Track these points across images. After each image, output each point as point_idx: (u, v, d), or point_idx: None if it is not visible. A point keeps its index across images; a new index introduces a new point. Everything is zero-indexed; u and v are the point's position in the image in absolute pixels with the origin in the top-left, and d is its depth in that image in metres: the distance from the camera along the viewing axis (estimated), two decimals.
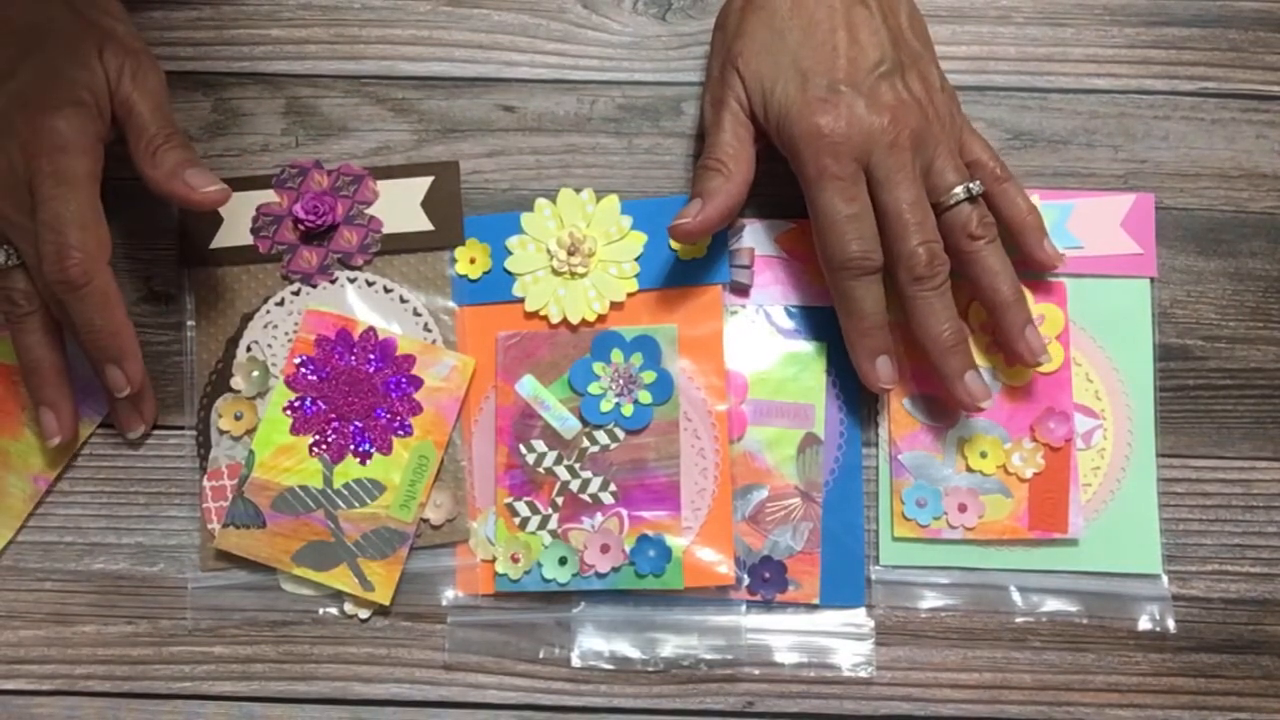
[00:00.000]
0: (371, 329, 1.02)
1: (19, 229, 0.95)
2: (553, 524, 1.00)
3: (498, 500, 1.01)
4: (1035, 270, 1.01)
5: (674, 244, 1.02)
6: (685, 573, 0.99)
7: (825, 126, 0.94)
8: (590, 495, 1.01)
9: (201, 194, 0.96)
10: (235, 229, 1.05)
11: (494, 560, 1.01)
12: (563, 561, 1.00)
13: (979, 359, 1.03)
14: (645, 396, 1.01)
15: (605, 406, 1.01)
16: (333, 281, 1.04)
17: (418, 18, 1.09)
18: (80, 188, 0.94)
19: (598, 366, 1.02)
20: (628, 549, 0.99)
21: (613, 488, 1.01)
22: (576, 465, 1.01)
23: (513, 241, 1.04)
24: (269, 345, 1.04)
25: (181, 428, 1.04)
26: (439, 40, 1.09)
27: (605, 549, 0.99)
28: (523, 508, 1.01)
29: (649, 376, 1.01)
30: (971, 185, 0.97)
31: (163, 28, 1.09)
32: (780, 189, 1.04)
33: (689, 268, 1.03)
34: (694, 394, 1.02)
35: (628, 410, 1.01)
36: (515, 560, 1.00)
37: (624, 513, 1.00)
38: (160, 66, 1.00)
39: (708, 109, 1.02)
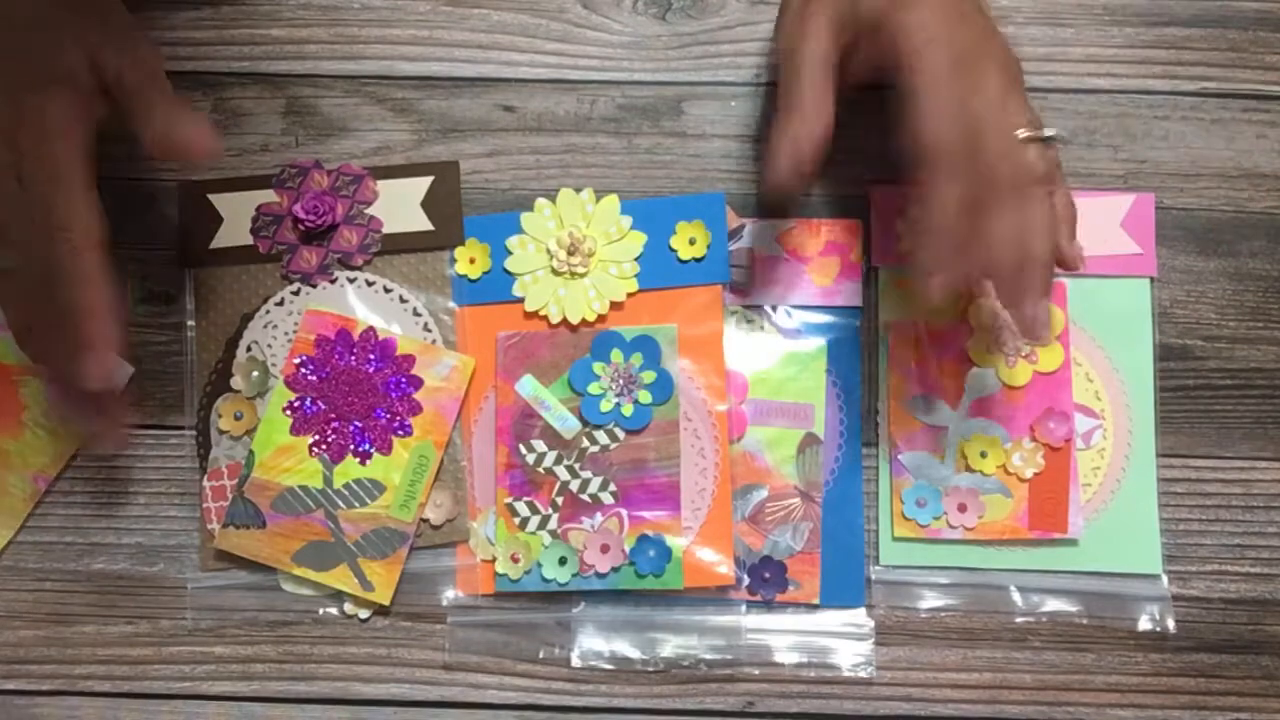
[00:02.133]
0: (371, 329, 1.03)
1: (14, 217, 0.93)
2: (553, 524, 1.01)
3: (498, 500, 1.01)
4: (1059, 266, 0.98)
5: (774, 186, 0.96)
6: (685, 573, 1.00)
7: (922, 16, 0.91)
8: (590, 495, 1.01)
9: (194, 145, 0.94)
10: (235, 229, 1.05)
11: (494, 560, 1.01)
12: (563, 561, 1.00)
13: (978, 360, 1.03)
14: (645, 396, 1.01)
15: (605, 406, 1.01)
16: (333, 281, 1.04)
17: (418, 18, 1.09)
18: (66, 168, 0.92)
19: (598, 366, 1.02)
20: (628, 549, 1.00)
21: (613, 488, 1.01)
22: (576, 465, 1.01)
23: (513, 241, 1.04)
24: (269, 345, 1.04)
25: (181, 428, 1.04)
26: (439, 40, 1.09)
27: (605, 549, 0.99)
28: (523, 508, 1.01)
29: (649, 376, 1.01)
30: (1047, 131, 0.93)
31: (163, 28, 1.09)
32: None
33: (689, 268, 1.03)
34: (694, 394, 1.02)
35: (628, 410, 1.01)
36: (515, 560, 1.00)
37: (624, 513, 1.00)
38: (146, 34, 0.98)
39: (787, 38, 0.98)
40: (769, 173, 0.94)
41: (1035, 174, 0.91)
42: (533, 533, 1.01)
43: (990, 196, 0.89)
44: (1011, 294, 0.92)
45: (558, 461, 1.01)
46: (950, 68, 0.90)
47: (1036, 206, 0.91)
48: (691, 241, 1.03)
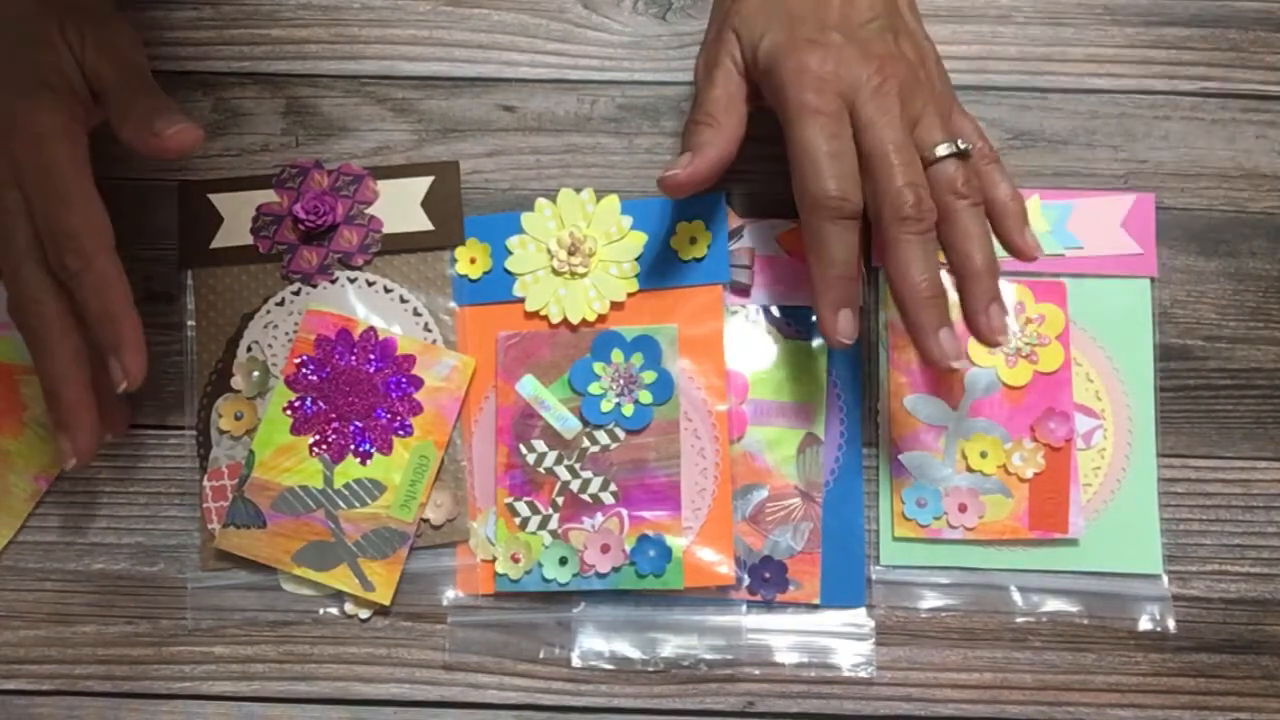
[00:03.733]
0: (372, 329, 1.03)
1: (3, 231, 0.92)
2: (553, 524, 1.00)
3: (498, 500, 1.01)
4: (1015, 257, 0.98)
5: (663, 191, 0.97)
6: (685, 573, 0.99)
7: (811, 64, 0.92)
8: (590, 495, 1.01)
9: (168, 140, 0.92)
10: (235, 229, 1.05)
11: (494, 560, 1.01)
12: (563, 561, 1.00)
13: (977, 360, 1.03)
14: (645, 396, 1.01)
15: (605, 406, 1.01)
16: (333, 281, 1.04)
17: (418, 18, 1.09)
18: (68, 172, 0.92)
19: (598, 366, 1.02)
20: (628, 549, 0.99)
21: (613, 488, 1.01)
22: (577, 465, 1.01)
23: (513, 241, 1.04)
24: (269, 345, 1.04)
25: (181, 428, 1.04)
26: (439, 40, 1.09)
27: (605, 549, 0.99)
28: (523, 508, 1.01)
29: (649, 376, 1.01)
30: (960, 143, 0.94)
31: (163, 28, 1.09)
32: (780, 188, 1.04)
33: (689, 268, 1.04)
34: (694, 394, 1.02)
35: (628, 410, 1.01)
36: (515, 560, 1.00)
37: (624, 513, 1.00)
38: (132, 29, 0.98)
39: (701, 72, 1.01)
40: (668, 174, 0.96)
41: (954, 189, 0.93)
42: (533, 533, 1.00)
43: (896, 229, 0.91)
44: (918, 329, 0.93)
45: (558, 461, 1.01)
46: (832, 118, 0.91)
47: (964, 220, 0.93)
48: (692, 241, 1.03)
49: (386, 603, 1.00)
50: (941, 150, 0.93)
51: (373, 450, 1.01)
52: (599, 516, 1.01)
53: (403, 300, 1.04)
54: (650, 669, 1.00)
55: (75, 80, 0.94)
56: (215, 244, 1.05)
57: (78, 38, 0.94)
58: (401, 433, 1.01)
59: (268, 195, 1.06)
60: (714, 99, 0.97)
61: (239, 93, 1.08)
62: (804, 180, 0.91)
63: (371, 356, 1.02)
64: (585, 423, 1.02)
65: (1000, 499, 1.02)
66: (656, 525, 1.00)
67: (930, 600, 1.02)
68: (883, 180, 0.91)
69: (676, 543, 1.00)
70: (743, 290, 1.04)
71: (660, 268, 1.04)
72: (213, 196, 1.06)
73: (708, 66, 1.00)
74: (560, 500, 1.01)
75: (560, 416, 1.02)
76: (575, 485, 1.01)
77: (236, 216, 1.05)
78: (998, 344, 0.94)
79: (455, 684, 1.01)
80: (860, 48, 0.93)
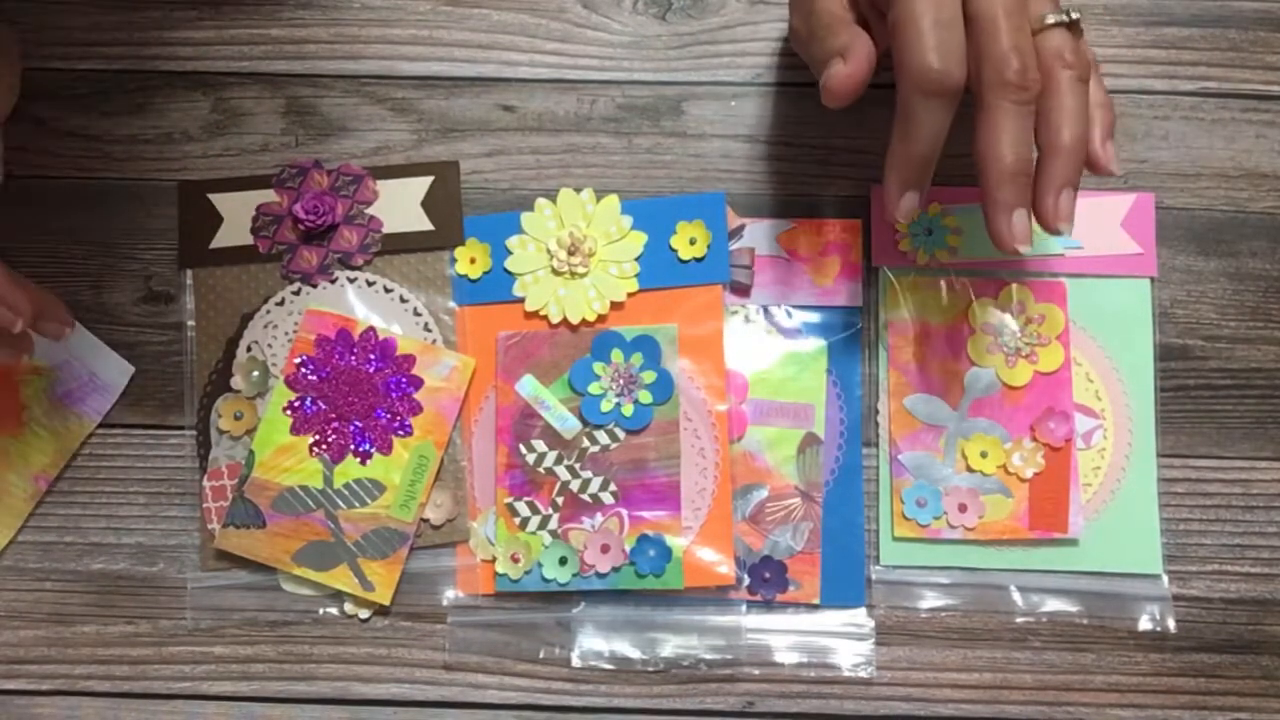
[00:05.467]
0: (371, 329, 1.03)
1: None
2: (553, 524, 1.00)
3: (498, 500, 1.01)
4: (1090, 168, 0.93)
5: (828, 102, 0.93)
6: (685, 573, 0.99)
7: None
8: (590, 495, 1.01)
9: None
10: (235, 229, 1.05)
11: (494, 560, 1.01)
12: (563, 561, 1.00)
13: (978, 359, 1.03)
14: (645, 396, 1.01)
15: (605, 406, 1.01)
16: (333, 281, 1.04)
17: (418, 18, 1.09)
18: None
19: (598, 366, 1.02)
20: (628, 549, 0.99)
21: (613, 488, 1.01)
22: (577, 465, 1.01)
23: (513, 241, 1.04)
24: (269, 345, 1.04)
25: (181, 428, 1.04)
26: (439, 40, 1.09)
27: (605, 549, 0.99)
28: (523, 508, 1.01)
29: (649, 376, 1.01)
30: (1072, 12, 0.90)
31: (163, 28, 1.09)
32: (781, 188, 1.04)
33: (689, 268, 1.03)
34: (694, 394, 1.02)
35: (628, 410, 1.01)
36: (515, 560, 1.00)
37: (624, 513, 1.00)
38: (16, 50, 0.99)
39: (805, 24, 0.96)
40: (831, 80, 0.91)
41: (1061, 57, 0.89)
42: (533, 533, 1.00)
43: (995, 94, 0.87)
44: (993, 204, 0.89)
45: (558, 461, 1.01)
46: None
47: (1068, 91, 0.89)
48: (692, 241, 1.03)
49: (386, 603, 1.00)
50: (1051, 19, 0.89)
51: (372, 450, 1.01)
52: (599, 516, 1.01)
53: (403, 300, 1.04)
54: (650, 669, 1.00)
55: None
56: (215, 244, 1.05)
57: None
58: (401, 433, 1.01)
59: (268, 195, 1.06)
60: (824, 20, 0.93)
61: (239, 93, 1.08)
62: (905, 51, 0.86)
63: (371, 356, 1.02)
64: (585, 423, 1.02)
65: (1000, 499, 1.02)
66: (656, 525, 1.00)
67: (930, 600, 1.02)
68: (988, 43, 0.87)
69: (676, 543, 1.00)
70: (743, 290, 1.04)
71: (660, 268, 1.04)
72: (213, 196, 1.06)
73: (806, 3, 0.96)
74: (560, 500, 1.01)
75: (560, 416, 1.02)
76: (575, 485, 1.01)
77: (236, 216, 1.05)
78: (1058, 232, 0.90)
79: (455, 684, 1.01)
80: None
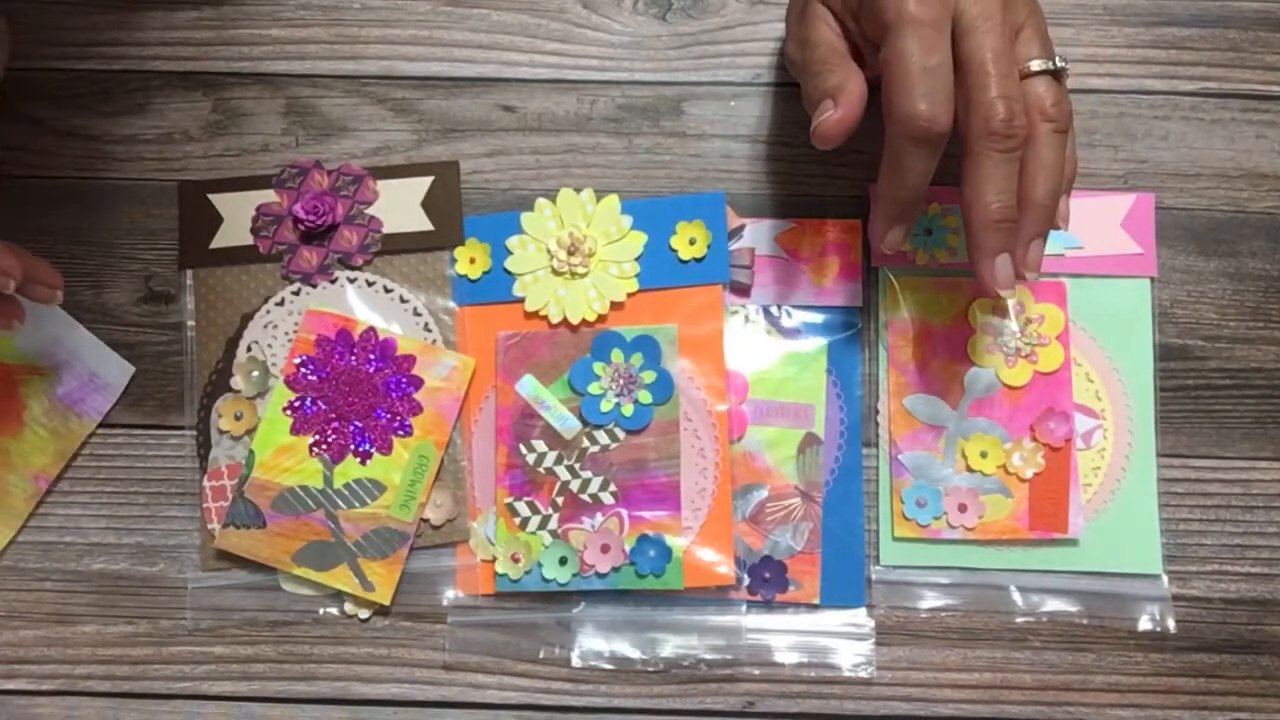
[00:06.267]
0: (371, 329, 1.03)
1: None
2: (553, 524, 1.01)
3: (498, 500, 1.01)
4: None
5: (819, 143, 0.94)
6: (685, 573, 1.00)
7: None
8: (590, 495, 1.01)
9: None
10: (235, 229, 1.05)
11: (494, 560, 1.01)
12: (563, 561, 1.00)
13: (978, 360, 1.03)
14: (645, 396, 1.01)
15: (605, 406, 1.01)
16: (333, 281, 1.04)
17: (418, 18, 1.09)
18: None
19: (598, 366, 1.02)
20: (628, 549, 1.00)
21: (613, 488, 1.01)
22: (577, 465, 1.01)
23: (513, 241, 1.04)
24: (269, 345, 1.04)
25: (181, 428, 1.04)
26: (439, 40, 1.09)
27: (605, 549, 0.99)
28: (523, 508, 1.01)
29: (649, 376, 1.01)
30: (1057, 60, 0.92)
31: (163, 28, 1.09)
32: (781, 188, 1.04)
33: (689, 268, 1.03)
34: (694, 394, 1.02)
35: (628, 410, 1.01)
36: (515, 560, 1.00)
37: (624, 513, 1.00)
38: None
39: (794, 23, 0.99)
40: (821, 123, 0.92)
41: (1042, 108, 0.90)
42: (533, 533, 1.01)
43: (982, 142, 0.88)
44: (979, 250, 0.91)
45: (558, 461, 1.01)
46: (934, 17, 0.87)
47: (1047, 143, 0.90)
48: (691, 241, 1.03)
49: (386, 603, 1.00)
50: (1036, 65, 0.91)
51: (372, 450, 1.01)
52: (599, 516, 1.01)
53: (403, 300, 1.04)
54: (650, 669, 1.00)
55: None
56: (215, 244, 1.05)
57: None
58: (401, 433, 1.01)
59: (268, 195, 1.06)
60: (819, 54, 0.95)
61: (239, 93, 1.08)
62: (894, 96, 0.88)
63: (371, 356, 1.02)
64: (585, 423, 1.02)
65: (1000, 499, 1.02)
66: (656, 525, 1.00)
67: (930, 600, 1.02)
68: (976, 90, 0.88)
69: (676, 543, 1.00)
70: (743, 290, 1.04)
71: (660, 268, 1.04)
72: (213, 196, 1.06)
73: (800, 17, 0.97)
74: (560, 500, 1.01)
75: (560, 416, 1.02)
76: (575, 485, 1.01)
77: (236, 216, 1.05)
78: (1022, 279, 0.93)
79: (455, 684, 1.01)
80: None
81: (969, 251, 0.92)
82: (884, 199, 0.92)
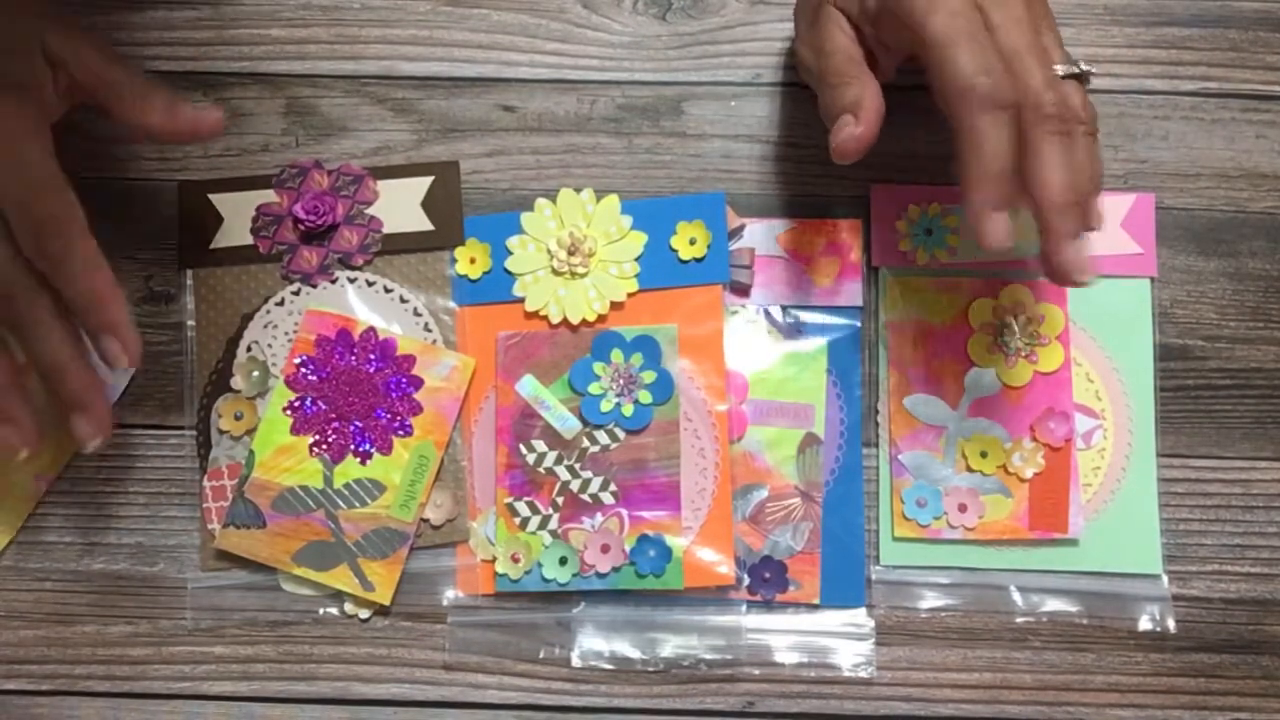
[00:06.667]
0: (372, 329, 1.03)
1: None
2: (553, 524, 1.01)
3: (498, 500, 1.01)
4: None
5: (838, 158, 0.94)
6: (685, 573, 1.00)
7: None
8: (590, 495, 1.01)
9: (208, 123, 0.96)
10: (235, 229, 1.05)
11: (494, 560, 1.01)
12: (563, 561, 1.00)
13: (978, 360, 1.03)
14: (645, 396, 1.01)
15: (605, 406, 1.01)
16: (333, 281, 1.04)
17: (418, 18, 1.09)
18: (41, 165, 0.91)
19: (598, 366, 1.02)
20: (628, 549, 1.00)
21: (613, 488, 1.01)
22: (577, 465, 1.01)
23: (513, 241, 1.04)
24: (269, 345, 1.04)
25: (181, 428, 1.04)
26: (439, 40, 1.09)
27: (605, 549, 0.99)
28: (523, 508, 1.01)
29: (649, 376, 1.01)
30: (1081, 64, 0.90)
31: (163, 28, 1.09)
32: (781, 188, 1.04)
33: (689, 268, 1.03)
34: (694, 394, 1.02)
35: (628, 410, 1.01)
36: (515, 560, 1.00)
37: (624, 513, 1.00)
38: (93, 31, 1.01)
39: (805, 28, 0.99)
40: (841, 140, 0.92)
41: (1076, 110, 0.88)
42: (533, 533, 1.01)
43: (1038, 129, 0.86)
44: (1054, 235, 0.87)
45: (558, 461, 1.01)
46: (965, 14, 0.87)
47: (1080, 145, 0.88)
48: (692, 241, 1.03)
49: (386, 603, 1.00)
50: (1061, 69, 0.89)
51: (373, 450, 1.01)
52: (599, 516, 1.01)
53: (403, 300, 1.04)
54: (650, 669, 1.00)
55: (44, 81, 0.94)
56: (215, 244, 1.05)
57: (61, 43, 0.94)
58: (401, 433, 1.01)
59: (268, 195, 1.06)
60: (836, 63, 0.95)
61: (239, 93, 1.08)
62: (951, 72, 0.87)
63: (371, 356, 1.02)
64: (585, 423, 1.02)
65: (1000, 499, 1.02)
66: (656, 525, 1.00)
67: (930, 600, 1.02)
68: (1023, 77, 0.87)
69: (676, 543, 1.00)
70: (743, 290, 1.04)
71: (660, 268, 1.04)
72: (213, 196, 1.06)
73: (813, 25, 0.98)
74: (560, 500, 1.01)
75: (560, 416, 1.02)
76: (575, 485, 1.01)
77: (236, 216, 1.05)
78: (1083, 283, 0.88)
79: (455, 684, 1.01)
80: None
81: (1043, 242, 0.88)
82: (974, 185, 0.88)
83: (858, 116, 0.92)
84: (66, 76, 0.95)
